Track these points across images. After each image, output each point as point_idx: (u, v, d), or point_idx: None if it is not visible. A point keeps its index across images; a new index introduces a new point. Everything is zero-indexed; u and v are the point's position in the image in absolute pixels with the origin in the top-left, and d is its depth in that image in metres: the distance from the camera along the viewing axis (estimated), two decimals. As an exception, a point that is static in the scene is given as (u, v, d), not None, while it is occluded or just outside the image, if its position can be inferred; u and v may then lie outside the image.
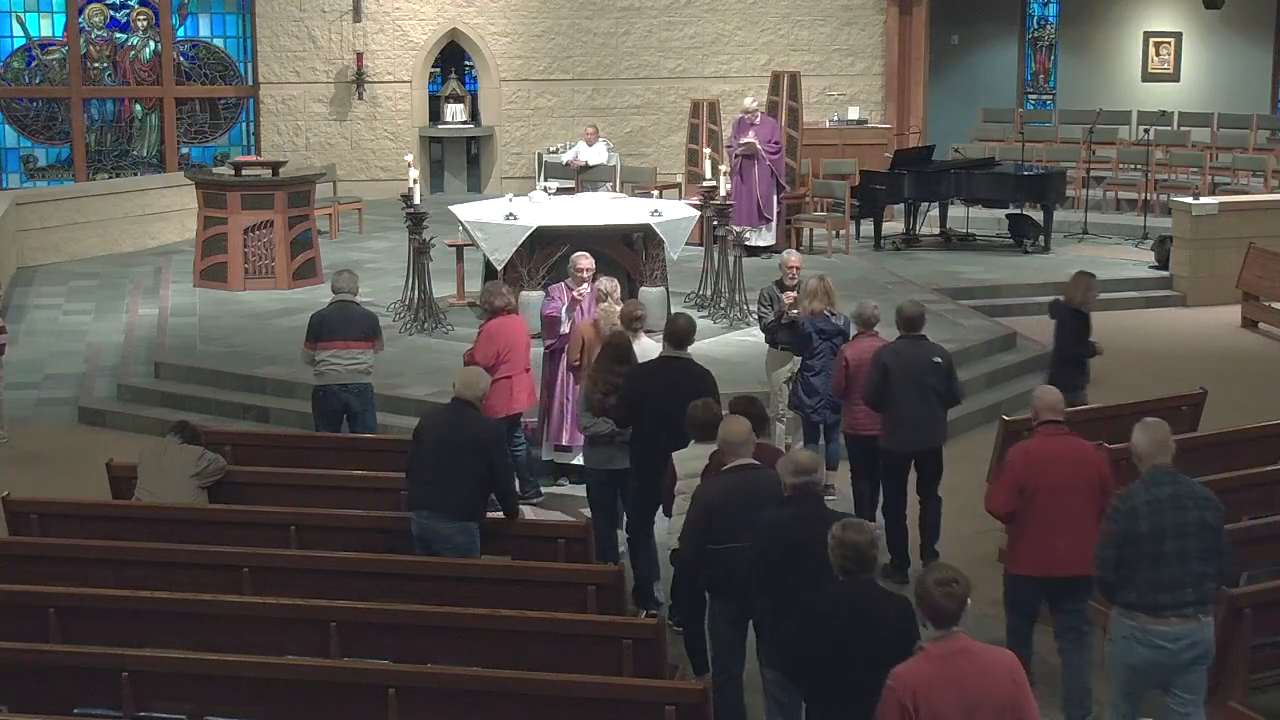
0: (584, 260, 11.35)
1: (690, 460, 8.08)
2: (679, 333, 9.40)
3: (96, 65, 21.38)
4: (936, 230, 19.21)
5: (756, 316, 12.06)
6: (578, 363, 10.56)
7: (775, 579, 6.69)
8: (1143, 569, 6.72)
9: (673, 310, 14.27)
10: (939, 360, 9.68)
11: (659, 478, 8.32)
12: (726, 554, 7.24)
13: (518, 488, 10.21)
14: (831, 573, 6.08)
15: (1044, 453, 7.82)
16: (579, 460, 10.79)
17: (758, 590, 6.84)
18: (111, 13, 21.31)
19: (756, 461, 7.46)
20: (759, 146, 17.31)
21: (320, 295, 15.75)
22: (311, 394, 11.06)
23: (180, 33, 21.53)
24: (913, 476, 9.97)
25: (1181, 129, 21.68)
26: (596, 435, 9.48)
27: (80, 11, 21.13)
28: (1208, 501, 6.84)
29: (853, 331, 10.50)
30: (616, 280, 11.02)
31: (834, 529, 6.10)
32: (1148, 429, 6.95)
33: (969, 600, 5.47)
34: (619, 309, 10.39)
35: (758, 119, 17.55)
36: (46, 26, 21.18)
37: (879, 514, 9.99)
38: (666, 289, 14.31)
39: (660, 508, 8.62)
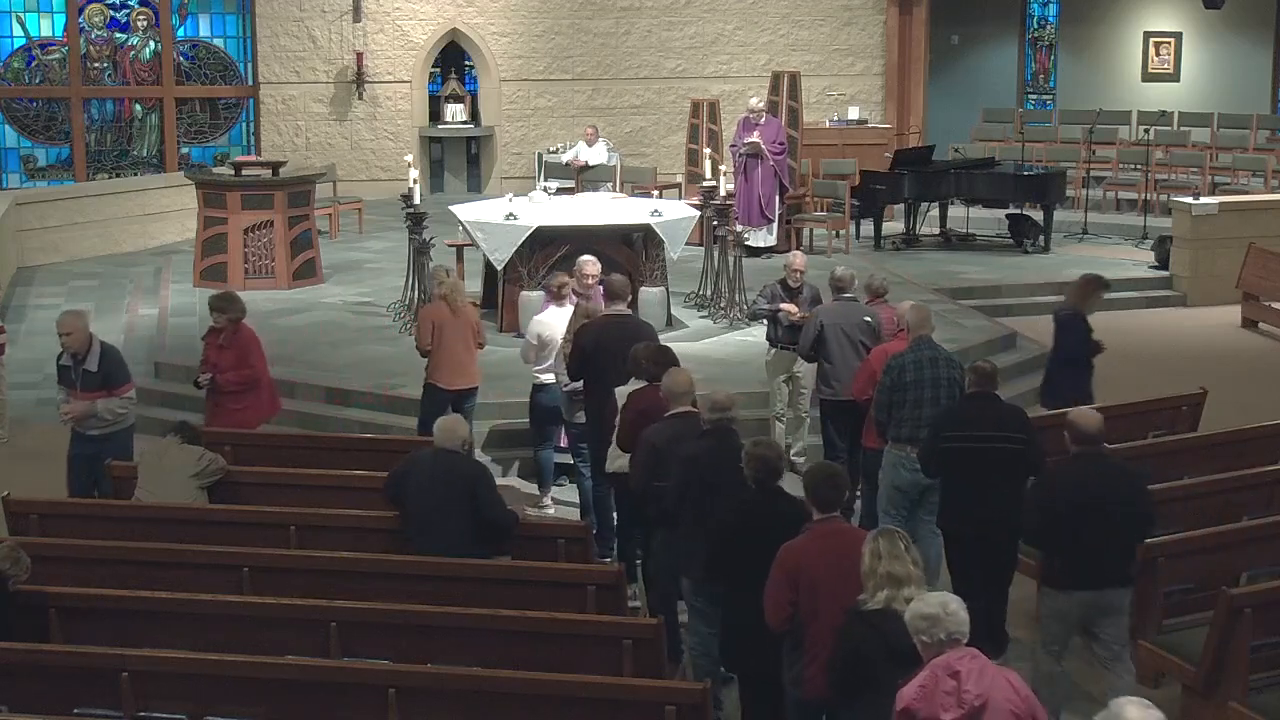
0: (590, 266, 11.17)
1: None
2: (615, 288, 10.26)
3: (96, 65, 21.37)
4: (936, 230, 19.21)
5: (750, 302, 12.24)
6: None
7: (693, 501, 7.59)
8: (907, 410, 9.04)
9: (672, 311, 14.37)
10: (869, 320, 10.60)
11: (613, 425, 9.04)
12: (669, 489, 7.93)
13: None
14: (740, 493, 7.17)
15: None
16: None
17: (680, 511, 7.69)
18: (111, 13, 21.30)
19: (696, 410, 8.16)
20: (763, 146, 17.31)
21: (321, 295, 15.85)
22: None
23: (180, 33, 21.53)
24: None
25: (1181, 129, 21.67)
26: (575, 392, 10.20)
27: (80, 11, 21.12)
28: (954, 364, 9.28)
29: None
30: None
31: (747, 445, 7.30)
32: (916, 310, 9.45)
33: (846, 492, 6.88)
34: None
35: (763, 119, 17.54)
36: (46, 26, 21.17)
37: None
38: (666, 289, 14.31)
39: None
